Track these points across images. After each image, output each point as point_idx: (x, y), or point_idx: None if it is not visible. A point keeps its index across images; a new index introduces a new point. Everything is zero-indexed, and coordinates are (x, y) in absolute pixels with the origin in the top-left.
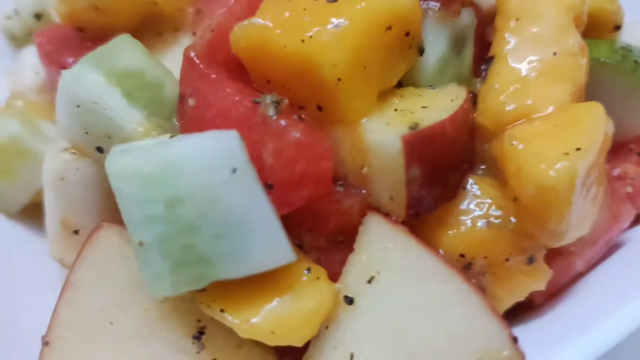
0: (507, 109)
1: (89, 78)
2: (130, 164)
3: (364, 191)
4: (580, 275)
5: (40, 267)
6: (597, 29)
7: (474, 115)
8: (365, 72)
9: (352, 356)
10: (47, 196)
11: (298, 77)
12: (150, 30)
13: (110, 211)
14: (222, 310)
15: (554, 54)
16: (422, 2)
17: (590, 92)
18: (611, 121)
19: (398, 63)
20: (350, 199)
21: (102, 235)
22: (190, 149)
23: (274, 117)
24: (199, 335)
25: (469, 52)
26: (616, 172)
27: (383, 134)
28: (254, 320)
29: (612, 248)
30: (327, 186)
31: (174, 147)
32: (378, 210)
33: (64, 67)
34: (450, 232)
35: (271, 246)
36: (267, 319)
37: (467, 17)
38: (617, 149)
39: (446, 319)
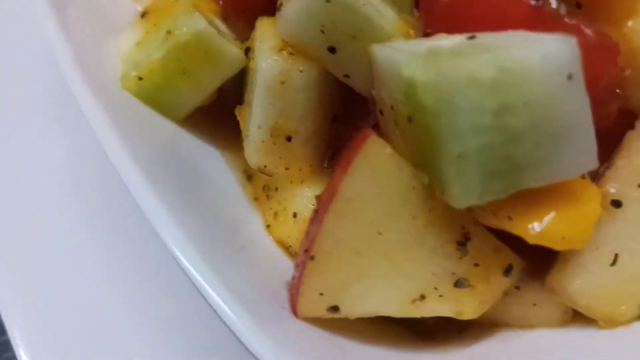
0: None
1: None
2: (470, 70)
3: (618, 91)
4: None
5: (220, 173)
6: None
7: None
8: None
9: (616, 256)
10: (260, 100)
11: None
12: None
13: (324, 118)
14: (509, 218)
15: None
16: None
17: None
18: None
19: None
20: (614, 103)
21: (374, 145)
22: (534, 55)
23: (563, 15)
24: (464, 241)
25: None
26: None
27: None
28: (544, 226)
29: None
30: (606, 91)
31: (514, 52)
32: (633, 114)
33: None
34: None
35: (583, 154)
36: (557, 225)
37: None
38: None
39: None
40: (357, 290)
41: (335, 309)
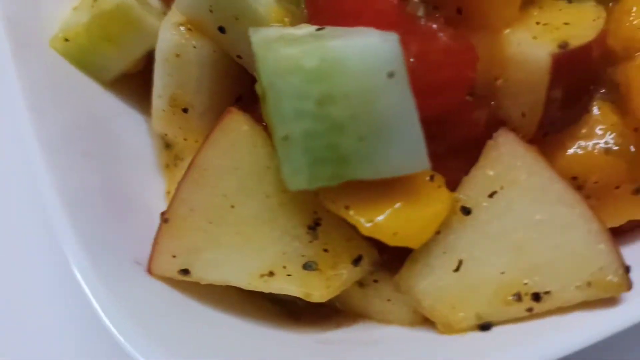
0: None
1: None
2: (294, 57)
3: (492, 103)
4: None
5: (140, 139)
6: None
7: None
8: None
9: (460, 262)
10: (159, 70)
11: None
12: None
13: (221, 94)
14: (346, 207)
15: None
16: None
17: None
18: None
19: None
20: (480, 110)
21: (232, 121)
22: (354, 48)
23: (423, 19)
24: (314, 225)
25: None
26: None
27: (530, 48)
28: (378, 220)
29: None
30: (463, 96)
31: (336, 43)
32: (504, 124)
33: None
34: (568, 153)
35: (410, 153)
36: (391, 221)
37: None
38: None
39: (567, 239)
40: (209, 258)
41: (186, 271)
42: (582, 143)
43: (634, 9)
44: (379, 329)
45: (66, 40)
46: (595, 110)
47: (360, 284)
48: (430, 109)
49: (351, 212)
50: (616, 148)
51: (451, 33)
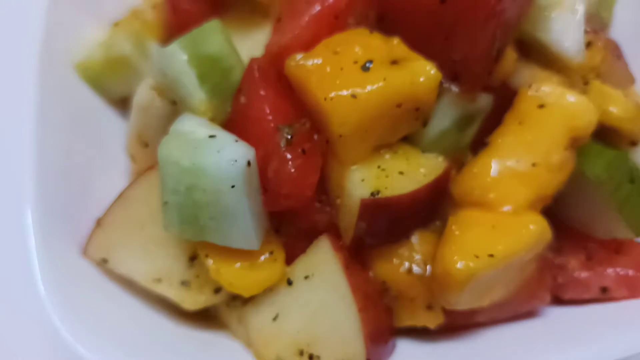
0: (473, 192)
1: (176, 58)
2: (174, 154)
3: (333, 212)
4: (482, 324)
5: (122, 151)
6: (615, 137)
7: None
8: (366, 134)
9: (277, 315)
10: (132, 113)
11: (318, 117)
12: (246, 4)
13: None
14: (206, 255)
15: (533, 165)
16: (444, 79)
17: (573, 187)
18: (551, 234)
19: (400, 129)
20: (321, 215)
21: (152, 173)
22: (213, 163)
23: (283, 148)
24: (193, 258)
25: (471, 131)
26: (560, 260)
27: (353, 187)
28: (222, 270)
29: (528, 314)
30: (305, 205)
31: (204, 155)
32: (337, 229)
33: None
34: (382, 263)
35: (244, 236)
36: (230, 273)
37: (482, 102)
38: (577, 240)
39: (341, 326)
40: (121, 256)
41: (105, 260)
42: (394, 259)
43: (475, 170)
44: (231, 341)
45: (86, 68)
46: (415, 238)
47: (227, 304)
48: (282, 206)
49: (208, 259)
50: (416, 271)
51: (299, 163)
